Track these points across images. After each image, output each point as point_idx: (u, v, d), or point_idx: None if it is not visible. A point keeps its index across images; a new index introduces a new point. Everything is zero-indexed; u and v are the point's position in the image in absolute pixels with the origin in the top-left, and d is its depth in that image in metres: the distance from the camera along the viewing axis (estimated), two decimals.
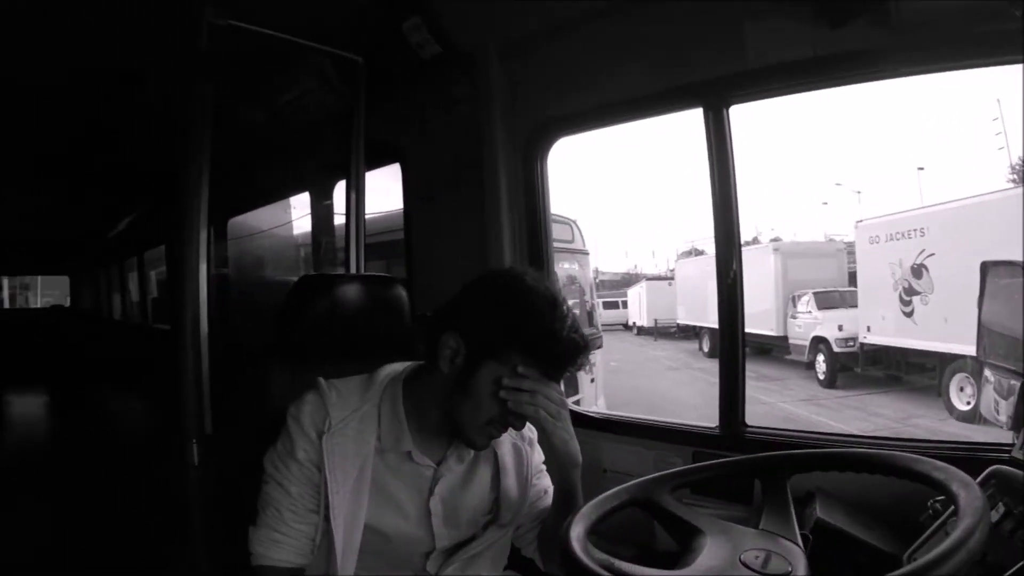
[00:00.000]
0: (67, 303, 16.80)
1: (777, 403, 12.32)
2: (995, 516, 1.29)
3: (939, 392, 10.68)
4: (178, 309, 2.46)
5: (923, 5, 1.94)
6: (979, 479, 1.36)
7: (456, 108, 3.00)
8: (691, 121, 2.45)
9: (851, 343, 12.82)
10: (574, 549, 1.29)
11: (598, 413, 3.07)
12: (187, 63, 2.50)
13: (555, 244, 6.83)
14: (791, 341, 14.69)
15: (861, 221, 12.87)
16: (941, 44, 1.96)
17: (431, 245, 3.28)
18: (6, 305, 19.43)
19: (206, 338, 2.38)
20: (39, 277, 21.27)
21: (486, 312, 1.57)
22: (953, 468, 1.27)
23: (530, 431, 1.86)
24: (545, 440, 1.68)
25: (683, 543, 1.38)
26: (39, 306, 19.78)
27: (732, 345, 2.42)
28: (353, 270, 3.18)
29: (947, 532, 1.29)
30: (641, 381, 14.44)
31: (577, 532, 1.34)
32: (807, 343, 13.93)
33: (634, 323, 24.73)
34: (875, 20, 1.99)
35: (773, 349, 15.49)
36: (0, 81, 3.71)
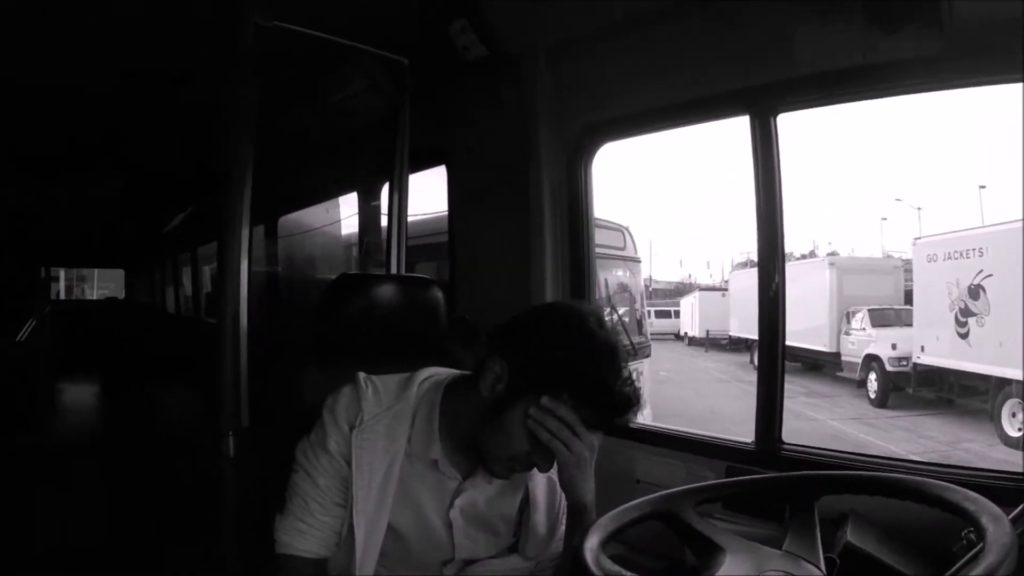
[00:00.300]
0: (122, 296, 17.07)
1: (826, 420, 12.18)
2: None
3: (991, 417, 10.42)
4: (219, 305, 2.47)
5: (978, 12, 1.87)
6: (1015, 512, 1.33)
7: (501, 111, 2.98)
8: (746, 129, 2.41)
9: (904, 362, 12.53)
10: (586, 559, 1.25)
11: (633, 423, 3.02)
12: (232, 63, 2.52)
13: (606, 251, 6.93)
14: (843, 358, 14.45)
15: (919, 238, 12.62)
16: (997, 53, 1.88)
17: (475, 247, 3.27)
18: (62, 296, 19.77)
19: (245, 334, 2.39)
20: (95, 270, 21.68)
21: (539, 346, 1.53)
22: (985, 500, 1.21)
23: None
24: (559, 474, 1.63)
25: (702, 559, 1.34)
26: (95, 298, 20.11)
27: (772, 359, 2.36)
28: (394, 271, 3.17)
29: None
30: (689, 393, 14.32)
31: (592, 543, 1.30)
32: (859, 361, 13.67)
33: (686, 333, 24.51)
34: (927, 27, 1.93)
35: (825, 365, 15.27)
36: (57, 83, 3.80)
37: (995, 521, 1.15)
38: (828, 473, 1.55)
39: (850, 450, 2.39)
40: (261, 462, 2.23)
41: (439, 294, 2.19)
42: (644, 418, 7.00)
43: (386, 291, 2.14)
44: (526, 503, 1.76)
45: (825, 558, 1.34)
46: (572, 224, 2.92)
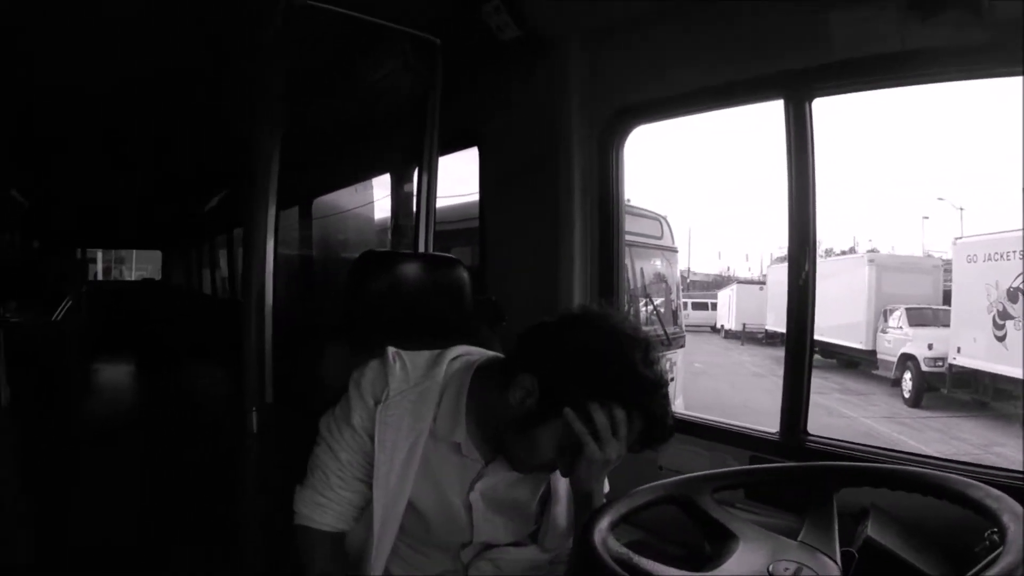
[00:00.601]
0: (159, 277, 17.22)
1: (859, 418, 12.09)
2: None
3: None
4: (245, 284, 2.48)
5: None
6: None
7: (534, 93, 2.97)
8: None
9: (940, 363, 12.40)
10: (593, 539, 1.24)
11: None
12: (262, 42, 2.51)
13: (643, 239, 6.88)
14: (879, 356, 14.36)
15: (960, 238, 12.50)
16: None
17: (504, 231, 3.26)
18: (99, 277, 19.98)
19: (270, 312, 2.40)
20: (133, 252, 21.91)
21: (570, 367, 1.49)
22: (1008, 498, 1.18)
23: None
24: (578, 468, 1.56)
25: (716, 547, 1.32)
26: (132, 279, 20.32)
27: (799, 349, 2.32)
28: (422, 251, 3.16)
29: None
30: (723, 385, 14.25)
31: (601, 523, 1.29)
32: (895, 359, 13.56)
33: (722, 326, 24.41)
34: (966, 13, 1.87)
35: (860, 363, 15.17)
36: (91, 65, 3.84)
37: (1017, 520, 1.12)
38: (848, 464, 1.52)
39: (878, 445, 2.33)
40: (284, 438, 2.24)
41: (464, 274, 2.18)
42: (675, 407, 7.03)
43: (411, 269, 2.13)
44: (548, 495, 1.75)
45: (843, 552, 1.31)
46: (602, 209, 2.90)
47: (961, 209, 20.39)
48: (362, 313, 2.03)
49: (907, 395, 13.02)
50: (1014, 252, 10.73)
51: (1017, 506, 1.15)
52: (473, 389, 1.64)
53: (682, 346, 7.64)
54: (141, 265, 22.41)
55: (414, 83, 3.06)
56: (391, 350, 1.68)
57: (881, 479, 1.44)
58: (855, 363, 15.33)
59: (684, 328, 8.43)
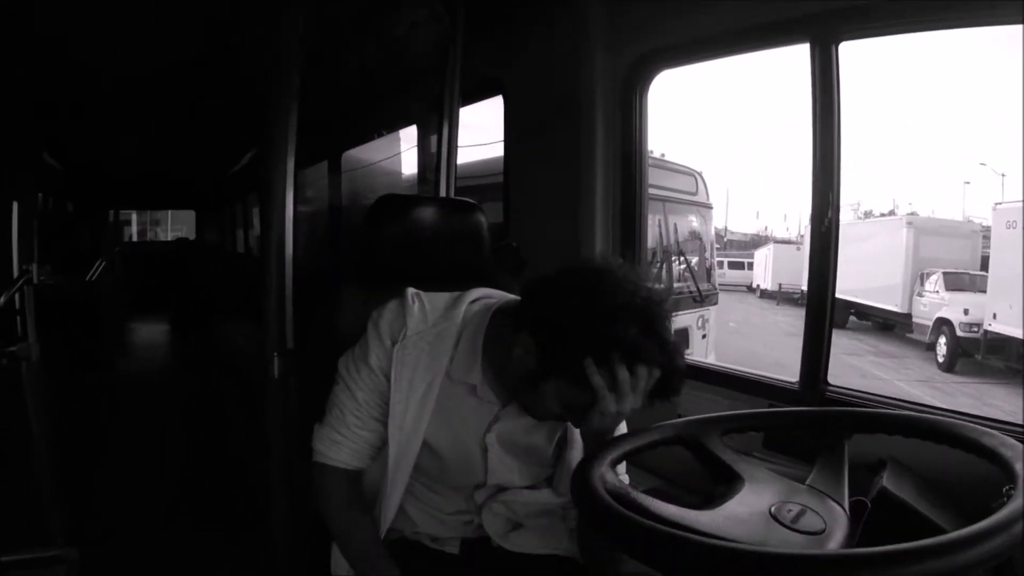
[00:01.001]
0: (192, 237, 17.34)
1: (892, 380, 11.97)
2: None
3: None
4: (264, 234, 2.49)
5: None
6: None
7: (556, 39, 2.93)
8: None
9: (975, 329, 12.25)
10: (590, 470, 1.23)
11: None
12: None
13: (677, 195, 6.84)
14: (914, 319, 14.24)
15: (999, 204, 12.30)
16: None
17: (528, 180, 3.24)
18: (134, 239, 20.16)
19: (290, 261, 2.40)
20: (168, 212, 22.06)
21: (568, 324, 1.42)
22: (1022, 447, 1.15)
23: None
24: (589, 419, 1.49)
25: (722, 488, 1.30)
26: (167, 240, 20.48)
27: (821, 297, 2.28)
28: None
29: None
30: (757, 345, 14.26)
31: (601, 457, 1.29)
32: (930, 323, 13.42)
33: (758, 285, 24.31)
34: None
35: (895, 326, 15.07)
36: (119, 29, 3.84)
37: None
38: (860, 411, 1.47)
39: (897, 396, 2.29)
40: (304, 383, 2.26)
41: (483, 218, 2.16)
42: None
43: (428, 214, 2.12)
44: (564, 439, 1.74)
45: (855, 500, 1.29)
46: (624, 157, 2.86)
47: (1003, 175, 20.00)
48: (379, 258, 2.02)
49: (941, 360, 12.89)
50: None
51: None
52: (490, 332, 1.63)
53: (715, 303, 7.56)
54: (176, 226, 22.52)
55: (438, 33, 3.03)
56: (410, 291, 1.68)
57: (894, 426, 1.41)
58: (890, 326, 15.23)
59: (718, 286, 8.37)
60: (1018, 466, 1.11)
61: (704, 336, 7.08)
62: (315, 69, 2.61)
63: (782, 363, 11.99)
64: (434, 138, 4.20)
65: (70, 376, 6.13)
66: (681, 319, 6.68)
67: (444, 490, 1.76)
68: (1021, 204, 11.46)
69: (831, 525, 1.18)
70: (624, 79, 2.80)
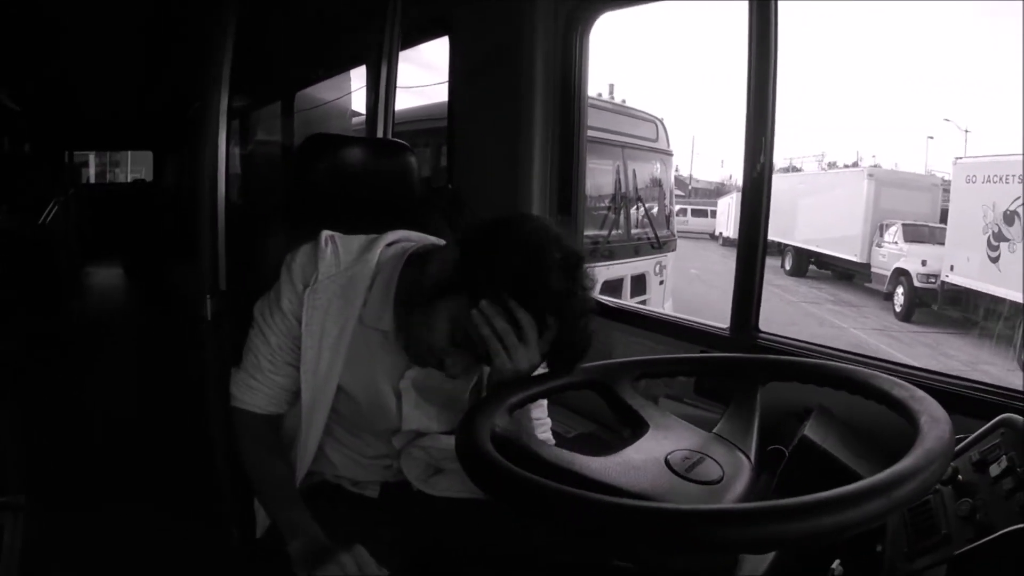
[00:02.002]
0: (150, 179, 17.08)
1: (849, 329, 12.16)
2: (995, 470, 1.17)
3: (1011, 343, 10.37)
4: (196, 169, 2.44)
5: None
6: (987, 425, 1.27)
7: None
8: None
9: (932, 280, 12.41)
10: (477, 415, 1.19)
11: (613, 302, 2.96)
12: None
13: (637, 141, 6.85)
14: (873, 270, 14.31)
15: (960, 158, 12.39)
16: None
17: (472, 123, 3.19)
18: (91, 180, 19.78)
19: (223, 199, 2.35)
20: (128, 154, 21.60)
21: (489, 248, 1.39)
22: (934, 403, 1.11)
23: None
24: (489, 381, 1.51)
25: (626, 433, 1.27)
26: (127, 182, 20.12)
27: (751, 243, 2.26)
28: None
29: (957, 514, 1.15)
30: (715, 291, 14.32)
31: (498, 400, 1.25)
32: (889, 273, 13.54)
33: (720, 233, 24.27)
34: None
35: (854, 275, 15.19)
36: None
37: (934, 425, 1.05)
38: (773, 357, 1.43)
39: (835, 345, 2.28)
40: (235, 323, 2.24)
41: (412, 159, 2.12)
42: (666, 311, 7.08)
43: (354, 154, 2.08)
44: (480, 384, 1.72)
45: (772, 449, 1.27)
46: (564, 99, 2.82)
47: (966, 131, 20.13)
48: (307, 198, 1.99)
49: (898, 309, 13.03)
50: (1013, 176, 10.66)
51: (940, 411, 1.09)
52: (404, 276, 1.60)
53: (673, 250, 7.58)
54: (136, 168, 22.01)
55: None
56: (325, 234, 1.64)
57: (805, 374, 1.37)
58: (849, 275, 15.34)
59: (676, 233, 8.37)
60: (922, 420, 1.07)
61: (661, 282, 7.11)
62: (260, 5, 2.53)
63: None
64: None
65: (22, 320, 6.09)
66: (639, 265, 6.70)
67: (364, 434, 1.75)
68: (981, 159, 11.60)
69: (730, 475, 1.13)
70: (564, 21, 2.75)
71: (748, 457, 1.20)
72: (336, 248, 1.63)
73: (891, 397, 1.18)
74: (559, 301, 1.36)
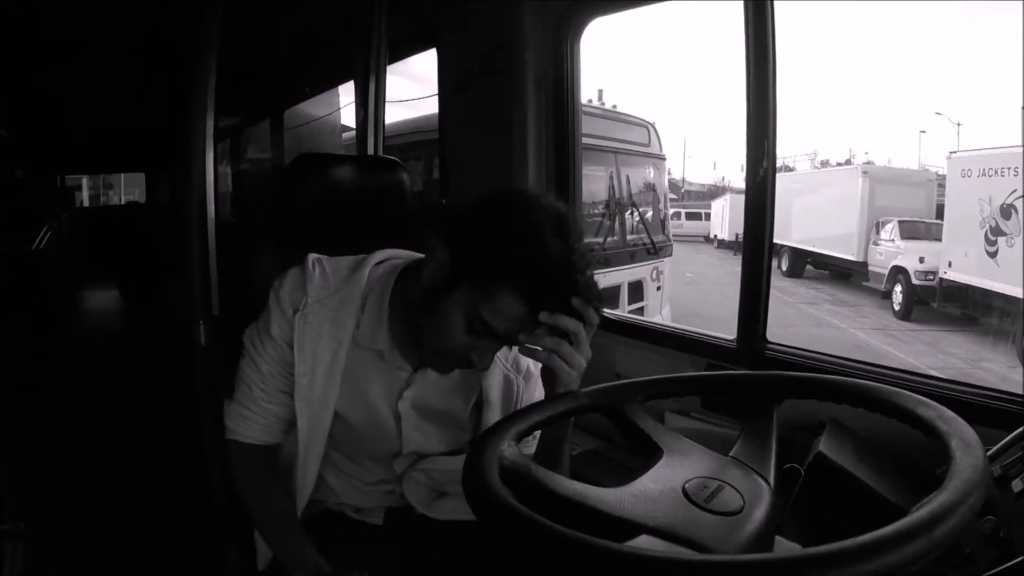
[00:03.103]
0: (143, 200, 17.06)
1: (848, 329, 12.12)
2: (1018, 485, 1.12)
3: (1013, 339, 10.34)
4: (184, 195, 2.39)
5: None
6: (1008, 438, 1.21)
7: None
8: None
9: (930, 277, 12.35)
10: (484, 447, 1.13)
11: (616, 315, 2.90)
12: None
13: (630, 147, 6.84)
14: (870, 268, 14.32)
15: (954, 152, 12.40)
16: None
17: (463, 134, 3.13)
18: (86, 204, 19.80)
19: (213, 221, 2.30)
20: (122, 176, 21.58)
21: (481, 233, 1.35)
22: (963, 424, 1.04)
23: (533, 365, 1.70)
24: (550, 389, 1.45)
25: (639, 460, 1.19)
26: (120, 204, 20.16)
27: (757, 251, 2.19)
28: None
29: (981, 532, 1.11)
30: (714, 295, 14.32)
31: (504, 428, 1.18)
32: (886, 272, 13.51)
33: (715, 236, 24.28)
34: None
35: (852, 274, 15.21)
36: None
37: (966, 450, 0.98)
38: (790, 374, 1.36)
39: (844, 356, 2.19)
40: (230, 351, 2.18)
41: (404, 176, 2.07)
42: (664, 317, 7.02)
43: (346, 172, 2.02)
44: (481, 402, 1.66)
45: (788, 468, 1.21)
46: (556, 108, 2.76)
47: (959, 124, 20.18)
48: (297, 219, 1.93)
49: (897, 307, 13.01)
50: (1009, 168, 10.60)
51: (970, 433, 1.02)
52: (396, 292, 1.55)
53: (669, 255, 7.58)
54: (129, 189, 22.06)
55: None
56: (311, 257, 1.59)
57: (826, 391, 1.30)
58: (846, 274, 15.35)
59: (672, 237, 8.34)
60: (953, 444, 1.00)
61: (659, 288, 7.10)
62: (246, 22, 2.48)
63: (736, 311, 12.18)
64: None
65: (17, 344, 6.06)
66: (636, 271, 6.68)
67: (364, 460, 1.70)
68: (975, 152, 11.58)
69: (750, 503, 1.06)
70: (554, 27, 2.69)
71: (767, 481, 1.13)
72: (324, 270, 1.58)
73: (917, 417, 1.11)
74: (569, 274, 1.32)
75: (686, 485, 1.08)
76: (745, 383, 1.40)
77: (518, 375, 1.67)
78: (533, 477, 1.08)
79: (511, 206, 1.37)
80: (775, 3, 2.14)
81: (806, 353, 2.18)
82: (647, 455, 1.18)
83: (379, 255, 1.64)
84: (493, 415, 1.63)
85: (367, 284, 1.57)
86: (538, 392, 1.66)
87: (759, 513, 1.05)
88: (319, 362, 1.53)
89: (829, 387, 1.31)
